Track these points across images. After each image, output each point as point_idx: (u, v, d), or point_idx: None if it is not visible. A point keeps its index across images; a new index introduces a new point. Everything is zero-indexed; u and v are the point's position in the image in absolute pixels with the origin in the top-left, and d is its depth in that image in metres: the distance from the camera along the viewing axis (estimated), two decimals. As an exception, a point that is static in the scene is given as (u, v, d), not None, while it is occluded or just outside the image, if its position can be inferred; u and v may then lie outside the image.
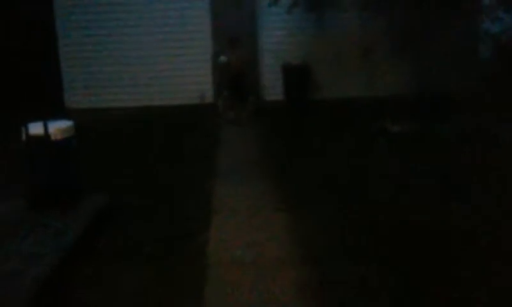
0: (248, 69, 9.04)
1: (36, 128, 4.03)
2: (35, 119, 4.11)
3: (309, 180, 5.34)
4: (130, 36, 9.46)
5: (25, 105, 6.13)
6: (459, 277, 3.19)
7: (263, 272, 3.37)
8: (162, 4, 9.40)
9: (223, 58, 8.88)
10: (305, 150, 6.56)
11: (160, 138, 7.50)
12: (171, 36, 9.44)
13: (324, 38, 9.35)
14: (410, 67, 9.04)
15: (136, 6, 9.38)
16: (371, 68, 9.26)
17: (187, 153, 6.59)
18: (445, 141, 6.55)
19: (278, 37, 9.49)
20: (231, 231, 4.10)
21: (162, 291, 3.20)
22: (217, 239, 3.93)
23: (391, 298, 3.02)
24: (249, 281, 3.27)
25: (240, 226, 4.18)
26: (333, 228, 4.06)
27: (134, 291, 3.22)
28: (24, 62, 9.28)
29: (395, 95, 8.66)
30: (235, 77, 8.84)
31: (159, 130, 7.99)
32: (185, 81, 9.44)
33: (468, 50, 9.28)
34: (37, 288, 2.98)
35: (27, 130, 4.04)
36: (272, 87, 9.55)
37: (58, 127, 4.10)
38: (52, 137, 4.02)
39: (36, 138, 4.02)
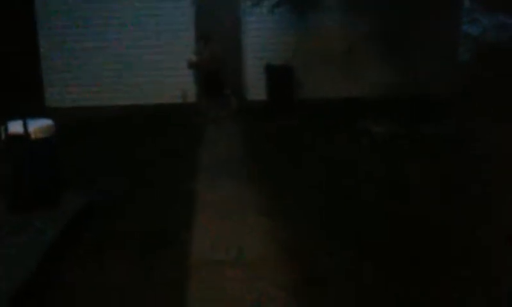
0: (221, 66, 8.79)
1: (15, 127, 3.97)
2: (15, 118, 4.04)
3: (291, 179, 5.36)
4: (112, 34, 9.38)
5: (4, 104, 6.02)
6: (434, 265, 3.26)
7: (245, 273, 3.37)
8: (147, 3, 9.34)
9: (191, 57, 8.71)
10: (287, 150, 6.58)
11: (141, 137, 7.44)
12: (154, 35, 9.39)
13: (306, 39, 9.39)
14: (392, 68, 9.13)
15: (119, 4, 9.31)
16: (354, 68, 9.33)
17: (169, 153, 6.54)
18: (424, 142, 6.63)
19: (260, 37, 9.49)
20: (213, 231, 4.09)
21: (143, 291, 3.18)
22: (199, 239, 3.92)
23: (375, 289, 3.08)
24: (231, 281, 3.27)
25: (222, 226, 4.18)
26: (316, 226, 4.09)
27: (114, 290, 3.19)
28: (3, 61, 9.12)
29: (378, 96, 8.75)
30: (208, 75, 8.70)
31: (140, 130, 7.93)
32: (168, 80, 9.41)
33: (448, 51, 9.41)
34: (15, 290, 2.93)
35: (6, 129, 3.98)
36: (255, 87, 9.56)
37: (38, 126, 4.05)
38: (32, 136, 3.97)
39: (16, 137, 3.96)
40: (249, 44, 9.60)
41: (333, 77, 9.37)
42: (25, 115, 4.01)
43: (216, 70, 8.64)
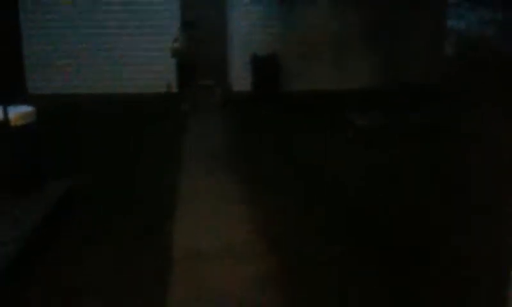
0: (196, 55, 8.61)
1: (-5, 114, 3.90)
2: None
3: (274, 170, 5.36)
4: (96, 22, 9.24)
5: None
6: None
7: (229, 264, 3.37)
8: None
9: (175, 44, 8.48)
10: (270, 140, 6.58)
11: (124, 126, 7.38)
12: (139, 24, 9.27)
13: (293, 30, 9.37)
14: (378, 60, 9.18)
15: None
16: (340, 60, 9.34)
17: (151, 143, 6.51)
18: (407, 133, 6.67)
19: (247, 27, 9.43)
20: (195, 222, 4.07)
21: (125, 282, 3.15)
22: (182, 231, 3.90)
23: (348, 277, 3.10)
24: (215, 272, 3.26)
25: (204, 218, 4.16)
26: (298, 217, 4.11)
27: (95, 281, 3.17)
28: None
29: (364, 87, 8.79)
30: (190, 63, 8.53)
31: (123, 119, 7.85)
32: (153, 69, 9.28)
33: (433, 45, 9.49)
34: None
35: (-15, 115, 3.91)
36: (241, 78, 9.51)
37: (19, 113, 3.99)
38: (12, 123, 3.91)
39: (-5, 124, 3.90)
40: (235, 34, 9.53)
41: (320, 69, 9.37)
42: (5, 101, 3.94)
43: (191, 58, 8.45)
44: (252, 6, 8.97)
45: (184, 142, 6.59)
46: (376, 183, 4.89)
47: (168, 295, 2.99)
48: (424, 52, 9.23)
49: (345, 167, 5.36)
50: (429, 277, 3.12)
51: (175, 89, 9.15)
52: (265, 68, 9.24)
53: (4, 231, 3.43)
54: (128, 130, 7.15)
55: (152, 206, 4.38)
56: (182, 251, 3.55)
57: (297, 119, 7.70)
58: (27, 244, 3.35)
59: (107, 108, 8.28)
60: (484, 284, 2.85)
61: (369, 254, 3.45)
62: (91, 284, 3.13)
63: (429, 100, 7.86)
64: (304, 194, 4.64)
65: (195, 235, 3.81)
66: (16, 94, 6.19)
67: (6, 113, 3.88)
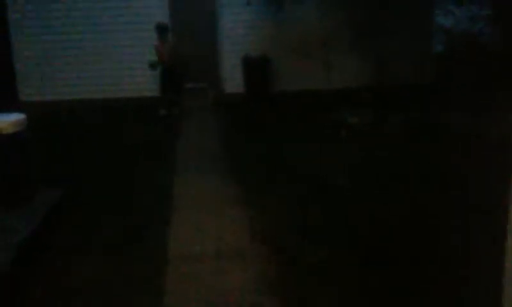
0: (179, 60, 8.32)
1: (-15, 122, 3.89)
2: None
3: (267, 171, 5.37)
4: (85, 27, 9.23)
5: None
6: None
7: (223, 266, 3.38)
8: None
9: (151, 58, 8.13)
10: (264, 142, 6.59)
11: (112, 131, 7.39)
12: (127, 28, 9.25)
13: (284, 30, 9.40)
14: (367, 59, 9.22)
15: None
16: (330, 60, 9.39)
17: (143, 146, 6.51)
18: (396, 132, 6.72)
19: (237, 29, 9.46)
20: (190, 224, 4.08)
21: (120, 286, 3.16)
22: (177, 233, 3.91)
23: (346, 278, 3.12)
24: (210, 275, 3.27)
25: (199, 220, 4.17)
26: (292, 218, 4.12)
27: (90, 286, 3.17)
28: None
29: (354, 87, 8.84)
30: (167, 69, 8.21)
31: (113, 123, 7.85)
32: (141, 74, 9.19)
33: (421, 42, 9.55)
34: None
35: (-24, 123, 3.89)
36: (233, 79, 9.53)
37: (9, 120, 3.97)
38: (3, 131, 3.90)
39: (-14, 132, 3.88)
40: (226, 36, 9.55)
41: (311, 69, 9.41)
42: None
43: (174, 64, 8.20)
44: (243, 8, 8.98)
45: (175, 146, 6.60)
46: (377, 183, 4.91)
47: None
48: (413, 51, 9.29)
49: (341, 168, 5.36)
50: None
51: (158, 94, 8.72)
52: (256, 69, 9.27)
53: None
54: (116, 135, 7.15)
55: (144, 211, 4.38)
56: (176, 253, 3.56)
57: (290, 119, 7.73)
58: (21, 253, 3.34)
59: (93, 114, 8.27)
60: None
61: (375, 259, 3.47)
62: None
63: (420, 99, 7.92)
64: (300, 195, 4.64)
65: (190, 239, 3.82)
66: (8, 102, 6.17)
67: (-4, 121, 3.87)
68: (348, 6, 8.98)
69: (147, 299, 3.02)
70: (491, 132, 5.62)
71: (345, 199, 4.46)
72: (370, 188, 4.73)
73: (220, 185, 5.00)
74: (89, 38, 9.26)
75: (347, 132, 6.79)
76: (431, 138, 6.28)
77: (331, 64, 9.30)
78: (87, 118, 8.15)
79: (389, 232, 3.76)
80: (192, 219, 4.19)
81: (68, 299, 3.04)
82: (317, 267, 3.30)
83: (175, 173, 5.47)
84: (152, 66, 8.13)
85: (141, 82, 9.19)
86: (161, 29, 8.17)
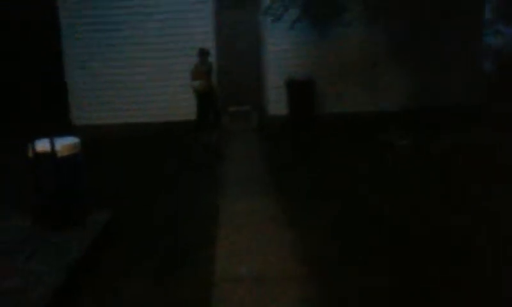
0: (212, 84, 8.60)
1: (42, 145, 4.06)
2: (42, 136, 4.14)
3: (313, 194, 5.34)
4: (134, 53, 9.54)
5: (32, 122, 6.18)
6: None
7: (268, 289, 3.36)
8: (168, 23, 9.47)
9: (194, 83, 8.50)
10: (306, 163, 6.55)
11: (162, 153, 7.55)
12: (175, 54, 9.50)
13: (328, 53, 9.41)
14: (415, 80, 9.08)
15: (140, 25, 9.47)
16: (376, 81, 9.30)
17: (188, 168, 6.62)
18: (445, 154, 6.55)
19: (282, 52, 9.52)
20: (235, 247, 4.09)
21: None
22: (222, 256, 3.93)
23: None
24: (255, 298, 3.26)
25: (244, 242, 4.18)
26: (337, 242, 4.06)
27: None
28: (30, 80, 9.40)
29: (401, 108, 8.70)
30: (206, 94, 8.52)
31: (160, 146, 8.04)
32: (187, 97, 9.36)
33: (470, 63, 9.32)
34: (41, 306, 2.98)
35: (33, 147, 4.07)
36: (277, 102, 9.57)
37: (64, 144, 4.13)
38: (59, 154, 4.05)
39: (43, 155, 4.04)
40: (270, 59, 9.63)
41: (356, 91, 9.36)
42: (51, 133, 4.10)
43: (209, 90, 8.50)
44: (287, 30, 9.05)
45: (219, 168, 6.67)
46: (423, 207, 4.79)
47: None
48: (462, 71, 9.08)
49: (390, 193, 5.25)
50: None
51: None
52: (300, 91, 9.28)
53: (52, 261, 3.54)
54: (164, 157, 7.30)
55: (191, 233, 4.43)
56: (223, 275, 3.57)
57: (335, 142, 7.66)
58: (72, 274, 3.44)
59: (142, 138, 8.47)
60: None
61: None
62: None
63: (470, 120, 7.70)
64: (347, 219, 4.58)
65: (236, 261, 3.83)
66: (61, 126, 6.44)
67: (52, 145, 4.03)
68: (394, 26, 8.90)
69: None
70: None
71: (394, 226, 4.35)
72: (407, 211, 4.61)
73: (264, 207, 4.99)
74: (141, 63, 9.57)
75: (396, 155, 6.66)
76: (481, 161, 6.08)
77: (378, 86, 9.21)
78: (135, 142, 8.36)
79: (441, 258, 3.65)
80: (238, 241, 4.19)
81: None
82: (360, 292, 3.24)
83: (219, 194, 5.52)
84: (196, 90, 8.45)
85: (188, 106, 9.35)
86: (201, 53, 8.53)
